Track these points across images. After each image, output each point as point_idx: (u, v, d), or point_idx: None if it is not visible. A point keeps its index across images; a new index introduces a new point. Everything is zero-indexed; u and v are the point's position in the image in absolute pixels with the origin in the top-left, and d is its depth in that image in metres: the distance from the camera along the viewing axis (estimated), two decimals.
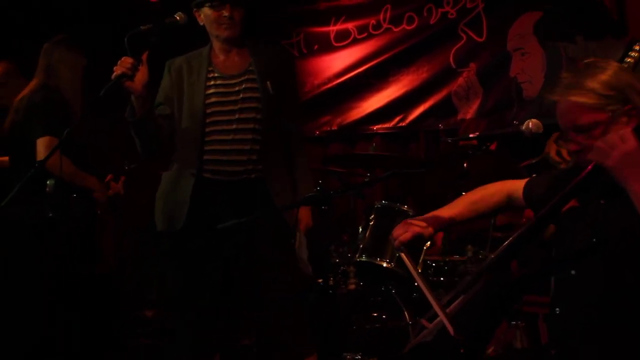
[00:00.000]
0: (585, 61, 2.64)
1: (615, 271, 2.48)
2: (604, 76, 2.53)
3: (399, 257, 2.90)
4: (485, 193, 3.05)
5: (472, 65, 6.34)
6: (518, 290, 2.80)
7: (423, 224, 2.95)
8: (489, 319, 2.69)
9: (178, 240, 3.75)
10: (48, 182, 4.13)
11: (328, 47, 7.15)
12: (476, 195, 3.06)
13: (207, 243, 3.67)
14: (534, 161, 4.82)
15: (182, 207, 3.70)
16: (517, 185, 3.00)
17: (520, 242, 2.63)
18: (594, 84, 2.52)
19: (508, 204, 3.03)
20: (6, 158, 4.83)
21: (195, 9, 3.80)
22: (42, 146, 4.23)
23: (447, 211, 3.03)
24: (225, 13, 3.71)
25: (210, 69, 3.79)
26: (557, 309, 2.63)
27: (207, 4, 3.74)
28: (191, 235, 3.70)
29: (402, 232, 2.92)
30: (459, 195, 4.63)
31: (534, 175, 3.07)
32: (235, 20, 3.74)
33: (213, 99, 3.73)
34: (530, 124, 3.13)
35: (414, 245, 2.96)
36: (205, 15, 3.77)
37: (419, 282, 2.80)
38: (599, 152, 2.43)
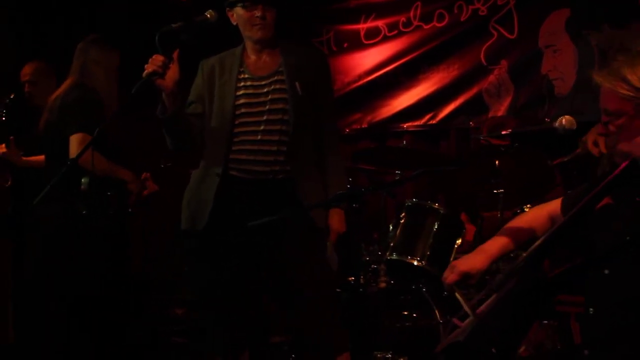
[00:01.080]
0: (631, 54, 2.63)
1: None
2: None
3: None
4: (527, 219, 2.98)
5: (504, 62, 6.30)
6: (551, 289, 2.77)
7: (470, 261, 2.90)
8: (521, 319, 2.67)
9: (202, 239, 3.75)
10: (82, 180, 4.15)
11: (358, 44, 7.14)
12: (519, 223, 2.99)
13: (233, 241, 3.66)
14: (566, 159, 4.77)
15: (205, 206, 3.70)
16: (554, 205, 2.96)
17: (553, 241, 2.60)
18: (631, 75, 2.51)
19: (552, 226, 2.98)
20: (41, 157, 4.88)
21: (228, 9, 3.79)
22: (75, 143, 4.25)
23: (494, 243, 2.95)
24: (258, 13, 3.70)
25: (241, 69, 3.79)
26: (591, 309, 2.60)
27: (239, 4, 3.73)
28: (215, 234, 3.69)
29: (449, 274, 2.87)
30: (489, 193, 4.65)
31: (568, 192, 3.03)
32: (268, 21, 3.72)
33: (242, 100, 3.73)
34: (564, 120, 3.10)
35: (463, 283, 2.92)
36: (237, 15, 3.77)
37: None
38: (635, 148, 2.41)
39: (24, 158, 5.23)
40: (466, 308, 2.74)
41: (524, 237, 2.94)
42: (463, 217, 5.36)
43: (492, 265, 4.53)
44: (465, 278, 2.85)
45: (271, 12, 3.73)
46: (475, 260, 2.88)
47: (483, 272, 2.89)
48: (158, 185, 4.78)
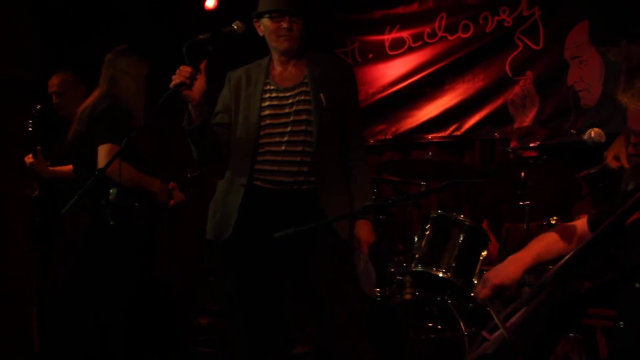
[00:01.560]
0: None
1: None
2: None
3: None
4: (559, 233, 2.96)
5: (529, 73, 6.29)
6: (581, 304, 2.76)
7: (503, 273, 2.88)
8: (550, 333, 2.66)
9: (227, 249, 3.75)
10: (111, 191, 4.16)
11: (383, 55, 7.14)
12: (551, 236, 2.97)
13: (258, 251, 3.66)
14: (592, 171, 4.76)
15: (230, 217, 3.70)
16: (580, 223, 2.95)
17: (583, 256, 2.59)
18: None
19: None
20: (68, 167, 4.91)
21: (255, 20, 3.79)
22: (103, 153, 4.25)
23: (527, 253, 2.92)
24: (284, 25, 3.69)
25: (267, 80, 3.79)
26: (621, 322, 2.58)
27: (266, 15, 3.73)
28: (240, 245, 3.70)
29: (481, 289, 2.85)
30: (515, 204, 4.63)
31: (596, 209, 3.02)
32: (294, 32, 3.72)
33: (267, 111, 3.72)
34: (593, 133, 3.07)
35: (497, 296, 2.90)
36: (264, 26, 3.76)
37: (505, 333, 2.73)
38: None
39: (51, 168, 5.27)
40: (499, 323, 2.72)
41: (555, 251, 2.92)
42: (485, 225, 5.34)
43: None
44: (499, 291, 2.83)
45: (298, 24, 3.73)
46: (508, 271, 2.86)
47: (517, 281, 2.87)
48: (185, 195, 4.79)
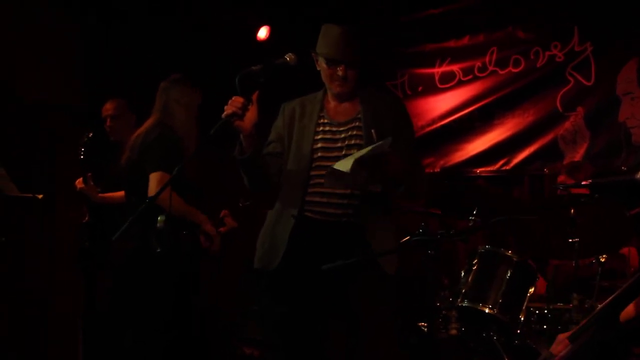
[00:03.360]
0: None
1: None
2: None
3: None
4: None
5: (580, 109, 6.26)
6: (628, 341, 2.73)
7: None
8: None
9: (274, 279, 3.76)
10: (159, 218, 4.20)
11: (432, 88, 7.16)
12: None
13: (305, 283, 3.67)
14: None
15: (279, 247, 3.70)
16: None
17: (630, 293, 2.57)
18: None
19: None
20: (118, 194, 4.96)
21: (314, 53, 3.82)
22: (154, 181, 4.30)
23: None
24: (340, 72, 3.71)
25: (321, 114, 3.81)
26: None
27: (323, 58, 3.77)
28: (287, 275, 3.71)
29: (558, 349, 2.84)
30: (564, 241, 4.58)
31: None
32: (349, 79, 3.75)
33: (320, 145, 3.74)
34: None
35: None
36: (320, 66, 3.79)
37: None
38: None
39: (101, 195, 5.34)
40: None
41: None
42: (530, 262, 5.30)
43: (565, 316, 4.50)
44: None
45: (353, 71, 3.75)
46: None
47: None
48: (237, 223, 4.81)
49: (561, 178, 5.48)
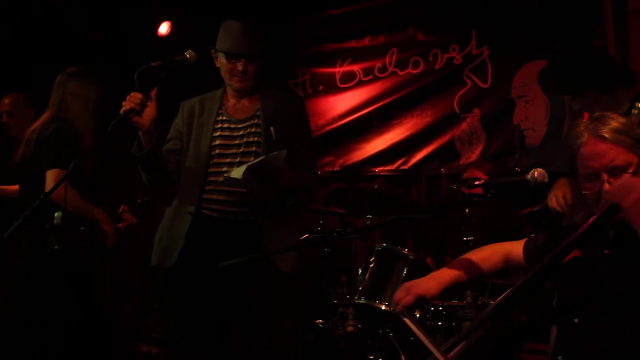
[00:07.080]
0: (596, 114, 2.69)
1: (625, 322, 2.49)
2: (627, 124, 2.60)
3: (403, 321, 2.84)
4: (483, 256, 3.01)
5: (476, 110, 6.37)
6: (519, 338, 2.80)
7: (425, 286, 2.90)
8: None
9: (171, 277, 3.74)
10: (56, 215, 4.13)
11: (333, 88, 7.20)
12: (476, 255, 3.02)
13: (201, 280, 3.66)
14: (535, 209, 4.82)
15: (176, 244, 3.70)
16: (515, 246, 2.99)
17: (521, 291, 2.63)
18: (625, 127, 2.59)
19: (506, 266, 3.01)
20: (14, 187, 4.85)
21: (213, 51, 3.82)
22: (50, 178, 4.22)
23: (448, 272, 2.97)
24: (240, 67, 3.73)
25: (220, 111, 3.81)
26: (560, 357, 2.63)
27: (223, 53, 3.76)
28: (184, 273, 3.69)
29: (404, 296, 2.85)
30: (459, 240, 4.69)
31: (532, 235, 3.06)
32: (249, 74, 3.76)
33: (218, 142, 3.75)
34: (536, 173, 3.14)
35: (417, 307, 2.92)
36: (220, 62, 3.80)
37: (425, 343, 2.75)
38: (616, 194, 2.46)
39: None
40: (415, 331, 2.75)
41: (476, 272, 2.96)
42: (429, 261, 5.38)
43: (459, 312, 4.60)
44: (420, 302, 2.85)
45: (253, 66, 3.76)
46: (429, 285, 2.90)
47: (435, 298, 2.91)
48: (136, 218, 4.76)
49: (467, 174, 5.58)
